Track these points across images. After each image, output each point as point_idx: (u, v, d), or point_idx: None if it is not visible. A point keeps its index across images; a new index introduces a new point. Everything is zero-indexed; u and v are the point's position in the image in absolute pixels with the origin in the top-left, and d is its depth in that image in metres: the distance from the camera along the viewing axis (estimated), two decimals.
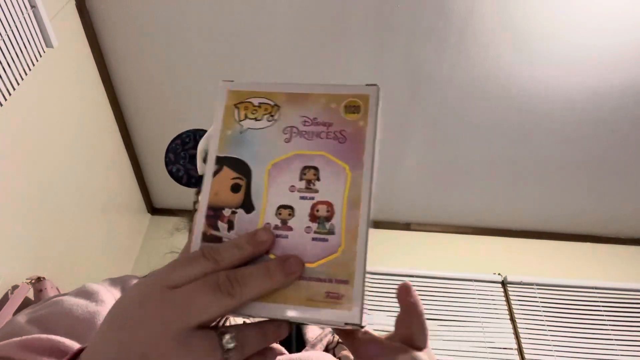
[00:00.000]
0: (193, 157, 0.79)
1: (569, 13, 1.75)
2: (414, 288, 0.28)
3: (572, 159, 2.28)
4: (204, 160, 0.75)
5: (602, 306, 2.37)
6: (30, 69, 1.49)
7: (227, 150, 0.31)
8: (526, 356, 2.17)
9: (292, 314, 0.27)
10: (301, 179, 0.30)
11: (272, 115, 0.32)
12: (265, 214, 0.29)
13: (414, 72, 1.97)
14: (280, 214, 0.29)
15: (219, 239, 0.29)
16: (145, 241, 2.61)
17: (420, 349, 0.30)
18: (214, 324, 0.30)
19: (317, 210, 0.29)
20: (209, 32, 1.88)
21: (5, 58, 1.37)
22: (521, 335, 2.24)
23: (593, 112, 2.08)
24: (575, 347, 2.22)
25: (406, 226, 2.70)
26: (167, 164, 0.80)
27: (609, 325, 2.30)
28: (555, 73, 1.94)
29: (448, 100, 2.07)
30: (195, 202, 0.69)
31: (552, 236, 2.68)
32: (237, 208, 0.30)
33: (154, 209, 2.74)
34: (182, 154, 0.80)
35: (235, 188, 0.30)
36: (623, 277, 2.49)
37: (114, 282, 0.56)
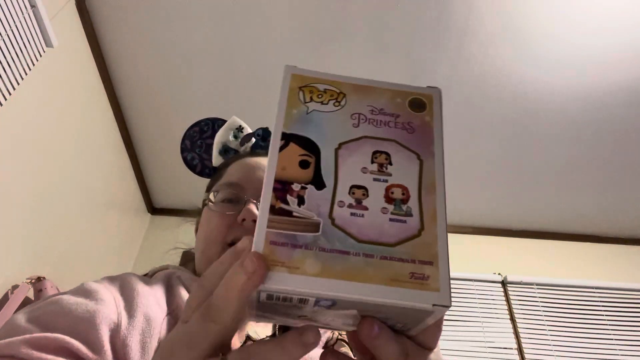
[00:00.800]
0: (209, 147, 0.78)
1: (569, 13, 1.75)
2: None
3: (572, 159, 2.28)
4: (220, 153, 0.74)
5: (602, 306, 2.37)
6: (30, 69, 1.49)
7: (293, 128, 0.32)
8: (526, 356, 2.17)
9: (376, 293, 0.26)
10: (372, 162, 0.30)
11: (338, 101, 0.33)
12: (338, 191, 0.29)
13: (414, 72, 1.97)
14: (353, 193, 0.29)
15: (288, 213, 0.28)
16: (145, 241, 2.61)
17: (430, 349, 0.30)
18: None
19: (392, 193, 0.29)
20: (209, 32, 1.88)
21: (5, 58, 1.37)
22: (521, 335, 2.24)
23: (593, 112, 2.08)
24: (576, 347, 2.22)
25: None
26: (182, 151, 0.79)
27: (609, 325, 2.30)
28: (555, 73, 1.94)
29: (447, 100, 2.07)
30: (205, 200, 0.67)
31: (552, 236, 2.68)
32: (307, 184, 0.29)
33: (154, 209, 2.74)
34: (198, 142, 0.79)
35: (304, 164, 0.30)
36: (623, 277, 2.49)
37: (113, 280, 0.56)
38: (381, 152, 0.31)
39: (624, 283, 2.44)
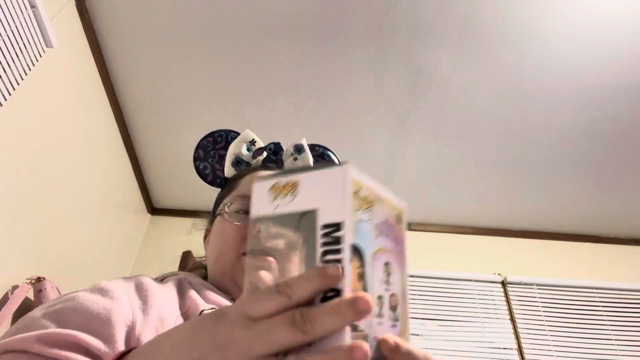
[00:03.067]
0: (222, 158, 0.81)
1: (569, 13, 1.75)
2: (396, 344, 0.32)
3: (572, 159, 2.28)
4: (233, 164, 0.77)
5: (602, 306, 2.37)
6: (30, 69, 1.49)
7: (354, 237, 0.33)
8: (526, 356, 2.17)
9: None
10: (384, 272, 0.35)
11: (370, 211, 0.35)
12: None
13: (414, 73, 1.97)
14: (377, 303, 0.33)
15: (355, 327, 0.31)
16: (145, 241, 2.61)
17: None
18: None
19: (392, 301, 0.35)
20: (210, 31, 1.88)
21: (5, 58, 1.37)
22: (521, 335, 2.24)
23: (593, 112, 2.08)
24: (575, 347, 2.22)
25: (406, 226, 2.70)
26: (195, 159, 0.82)
27: (609, 325, 2.30)
28: (555, 73, 1.94)
29: (448, 100, 2.07)
30: (219, 210, 0.68)
31: (552, 236, 2.68)
32: None
33: (153, 209, 2.74)
34: (211, 152, 0.82)
35: (360, 276, 0.32)
36: (623, 277, 2.49)
37: (127, 280, 0.57)
38: (389, 263, 0.35)
39: (623, 283, 2.44)
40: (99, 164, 2.08)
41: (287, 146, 0.79)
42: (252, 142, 0.79)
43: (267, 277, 0.58)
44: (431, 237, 2.67)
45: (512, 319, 2.30)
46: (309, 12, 1.80)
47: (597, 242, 2.67)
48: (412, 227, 2.69)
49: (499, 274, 2.45)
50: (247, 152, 0.78)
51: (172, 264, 1.96)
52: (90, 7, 1.83)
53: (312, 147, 0.81)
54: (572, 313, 2.34)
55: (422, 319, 2.27)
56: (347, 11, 1.79)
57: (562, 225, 2.66)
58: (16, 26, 1.40)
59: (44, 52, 1.55)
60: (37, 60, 1.52)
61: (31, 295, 1.56)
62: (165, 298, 0.54)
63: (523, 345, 2.21)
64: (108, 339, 0.46)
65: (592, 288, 2.42)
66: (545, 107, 2.07)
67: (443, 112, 2.12)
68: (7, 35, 1.37)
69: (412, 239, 2.53)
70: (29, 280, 1.54)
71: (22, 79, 1.46)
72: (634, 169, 2.30)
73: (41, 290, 1.54)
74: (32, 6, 1.47)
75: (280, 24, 1.84)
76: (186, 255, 1.98)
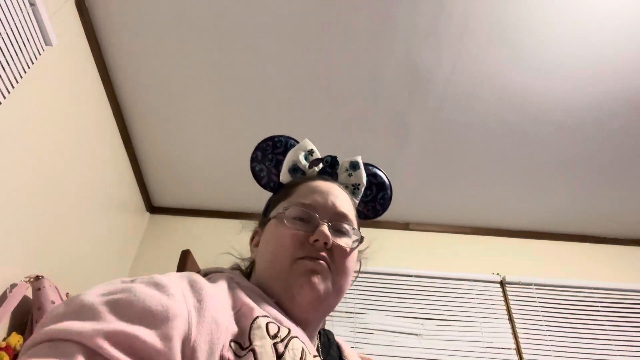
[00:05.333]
0: (279, 163, 0.83)
1: (569, 14, 1.75)
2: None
3: (571, 160, 2.29)
4: (290, 171, 0.80)
5: (601, 306, 2.37)
6: (29, 67, 1.49)
7: None
8: (524, 356, 2.17)
9: None
10: None
11: None
12: None
13: (413, 72, 1.97)
14: None
15: None
16: (144, 240, 2.60)
17: None
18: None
19: None
20: (209, 29, 1.88)
21: (4, 56, 1.37)
22: (519, 335, 2.25)
23: (592, 112, 2.08)
24: (573, 347, 2.22)
25: (405, 226, 2.70)
26: (252, 160, 0.84)
27: (607, 325, 2.31)
28: (554, 73, 1.95)
29: (447, 100, 2.07)
30: (276, 214, 0.70)
31: (551, 236, 2.69)
32: None
33: (153, 208, 2.74)
34: (269, 156, 0.84)
35: None
36: (622, 277, 2.50)
37: (180, 276, 0.55)
38: None
39: (622, 284, 2.44)
40: (98, 162, 2.08)
41: (342, 161, 0.81)
42: (311, 152, 0.81)
43: (320, 283, 0.63)
44: (430, 237, 2.67)
45: (511, 319, 2.30)
46: (307, 9, 1.80)
47: (596, 243, 2.67)
48: (411, 226, 2.70)
49: (497, 274, 2.45)
50: (305, 161, 0.80)
51: (171, 263, 1.97)
52: (89, 5, 1.83)
53: (366, 165, 0.84)
54: (571, 313, 2.34)
55: (420, 318, 2.27)
56: (347, 10, 1.79)
57: (560, 226, 2.66)
58: (15, 24, 1.40)
59: (43, 50, 1.55)
60: (36, 59, 1.52)
61: (30, 294, 1.56)
62: (218, 298, 0.54)
63: (521, 345, 2.21)
64: (165, 338, 0.44)
65: (590, 288, 2.42)
66: (545, 108, 2.07)
67: (442, 112, 2.12)
68: (7, 33, 1.37)
69: (411, 238, 2.52)
70: (27, 279, 1.53)
71: (21, 77, 1.46)
72: (632, 170, 2.31)
73: (40, 289, 1.54)
74: (32, 4, 1.46)
75: (279, 21, 1.84)
76: (185, 254, 1.98)
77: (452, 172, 2.40)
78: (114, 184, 2.26)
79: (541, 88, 2.00)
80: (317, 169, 0.80)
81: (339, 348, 0.74)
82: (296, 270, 0.63)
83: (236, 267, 0.78)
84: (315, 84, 2.03)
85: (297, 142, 0.83)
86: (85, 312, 0.45)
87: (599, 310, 2.35)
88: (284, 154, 0.82)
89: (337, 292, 0.66)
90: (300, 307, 0.62)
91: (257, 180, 0.84)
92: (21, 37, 1.43)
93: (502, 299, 2.38)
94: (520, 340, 2.23)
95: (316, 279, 0.63)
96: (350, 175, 0.81)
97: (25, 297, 1.52)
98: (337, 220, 0.69)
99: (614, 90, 1.99)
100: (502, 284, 2.43)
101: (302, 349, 0.52)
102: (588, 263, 2.58)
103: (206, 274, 0.65)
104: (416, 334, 2.22)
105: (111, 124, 2.16)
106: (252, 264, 0.76)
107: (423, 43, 1.87)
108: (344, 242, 0.68)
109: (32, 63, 1.50)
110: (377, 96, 2.06)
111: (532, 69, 1.94)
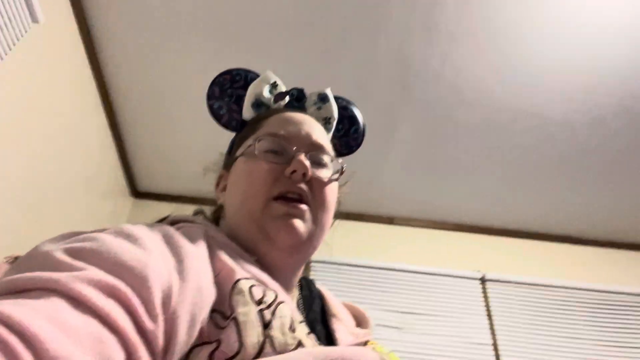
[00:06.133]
0: (240, 98, 0.74)
1: (562, 4, 1.77)
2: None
3: (556, 160, 2.32)
4: (253, 106, 0.71)
5: (577, 306, 2.42)
6: (14, 44, 1.45)
7: None
8: (501, 352, 2.22)
9: None
10: None
11: None
12: None
13: (404, 66, 1.97)
14: None
15: None
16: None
17: None
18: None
19: None
20: (199, 12, 1.85)
21: None
22: (497, 331, 2.29)
23: (578, 114, 2.11)
24: (550, 345, 2.27)
25: (390, 220, 2.72)
26: (209, 97, 0.75)
27: (584, 325, 2.36)
28: (546, 70, 1.97)
29: (437, 96, 2.08)
30: (243, 150, 0.62)
31: (532, 236, 2.73)
32: None
33: (137, 193, 2.71)
34: (228, 91, 0.75)
35: None
36: (599, 278, 2.55)
37: (153, 229, 0.47)
38: None
39: (598, 284, 2.50)
40: (82, 144, 2.05)
41: (310, 93, 0.74)
42: (274, 85, 0.73)
43: (301, 226, 0.57)
44: (415, 232, 2.69)
45: (489, 315, 2.34)
46: (298, 3, 1.79)
47: (576, 244, 2.72)
48: (395, 221, 2.72)
49: (478, 271, 2.49)
50: (269, 95, 0.72)
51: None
52: None
53: (336, 98, 0.77)
54: (548, 311, 2.39)
55: (401, 312, 2.30)
56: (339, 2, 1.78)
57: (542, 226, 2.71)
58: (1, 0, 1.36)
59: (30, 27, 1.51)
60: (22, 36, 1.48)
61: None
62: (199, 259, 0.46)
63: (498, 342, 2.25)
64: (147, 305, 0.36)
65: (567, 288, 2.48)
66: (534, 105, 2.09)
67: (432, 107, 2.13)
68: None
69: (395, 233, 2.53)
70: (7, 259, 1.51)
71: (6, 54, 1.43)
72: (613, 174, 2.35)
73: None
74: None
75: (271, 14, 1.83)
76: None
77: (438, 168, 2.42)
78: (98, 167, 2.23)
79: (529, 87, 2.02)
80: (282, 103, 0.72)
81: (321, 299, 0.68)
82: (269, 213, 0.57)
83: (200, 211, 0.71)
84: (305, 71, 2.02)
85: (258, 75, 0.75)
86: (47, 261, 0.37)
87: (576, 310, 2.41)
88: (245, 88, 0.74)
89: (320, 229, 0.60)
90: (280, 251, 0.57)
91: (217, 119, 0.75)
92: (7, 14, 1.39)
93: (482, 295, 2.42)
94: (498, 337, 2.27)
95: (293, 220, 0.57)
96: (319, 108, 0.73)
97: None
98: (314, 150, 0.62)
99: (601, 93, 2.02)
100: (483, 280, 2.47)
101: (291, 318, 0.46)
102: (567, 263, 2.63)
103: (174, 222, 0.57)
104: (397, 327, 2.24)
105: (97, 103, 2.13)
106: (219, 210, 0.70)
107: (416, 37, 1.87)
108: (324, 173, 0.62)
109: (18, 40, 1.46)
110: (367, 89, 2.06)
111: (523, 66, 1.95)
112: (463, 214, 2.69)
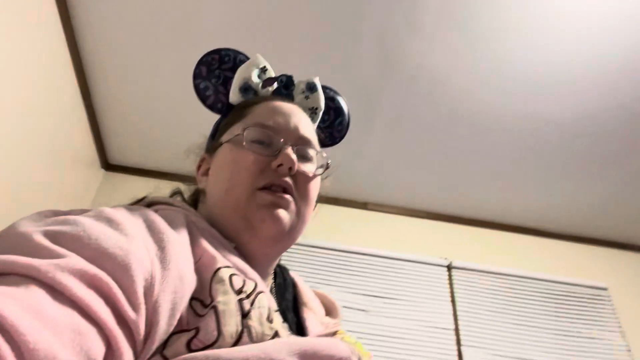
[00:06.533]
0: (227, 80, 0.71)
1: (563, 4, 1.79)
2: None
3: (524, 153, 2.38)
4: (241, 90, 0.69)
5: (537, 296, 2.52)
6: None
7: None
8: (462, 337, 2.30)
9: None
10: None
11: None
12: None
13: (385, 54, 1.97)
14: None
15: None
16: (97, 198, 2.52)
17: None
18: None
19: None
20: None
21: None
22: (459, 317, 2.36)
23: (564, 108, 2.16)
24: (509, 332, 2.36)
25: (363, 205, 2.75)
26: (195, 77, 0.72)
27: (542, 314, 2.46)
28: (529, 64, 2.00)
29: (417, 85, 2.09)
30: (230, 137, 0.61)
31: (499, 227, 2.81)
32: None
33: (108, 165, 2.64)
34: (216, 72, 0.72)
35: None
36: (562, 271, 2.66)
37: (133, 213, 0.45)
38: None
39: (559, 276, 2.61)
40: (51, 110, 1.98)
41: (298, 81, 0.73)
42: (264, 70, 0.71)
43: (285, 217, 0.58)
44: (387, 218, 2.73)
45: (453, 301, 2.42)
46: None
47: (540, 236, 2.82)
48: (369, 206, 2.75)
49: (445, 258, 2.55)
50: (257, 80, 0.70)
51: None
52: None
53: (324, 88, 0.76)
54: (509, 300, 2.48)
55: (369, 295, 2.35)
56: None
57: (509, 217, 2.79)
58: None
59: None
60: None
61: None
62: (181, 246, 0.45)
63: (460, 327, 2.33)
64: (129, 295, 0.36)
65: (530, 278, 2.57)
66: (516, 96, 2.13)
67: (411, 96, 2.14)
68: None
69: (368, 218, 2.55)
70: None
71: None
72: (580, 169, 2.43)
73: None
74: None
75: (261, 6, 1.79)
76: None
77: (414, 156, 2.45)
78: (67, 136, 2.16)
79: (515, 77, 2.05)
80: (270, 89, 0.71)
81: (294, 287, 0.69)
82: (254, 202, 0.57)
83: (177, 191, 0.70)
84: (288, 46, 1.99)
85: (247, 58, 0.73)
86: (22, 244, 0.35)
87: (538, 301, 2.50)
88: (233, 70, 0.71)
89: (301, 222, 0.61)
90: (262, 241, 0.57)
91: (202, 99, 0.72)
92: None
93: (447, 282, 2.49)
94: (460, 322, 2.35)
95: (279, 210, 0.57)
96: (307, 97, 0.72)
97: None
98: (301, 144, 0.62)
99: (584, 87, 2.07)
100: (449, 268, 2.53)
101: (269, 308, 0.47)
102: (530, 255, 2.72)
103: (152, 204, 0.56)
104: (364, 310, 2.29)
105: (69, 70, 2.05)
106: (197, 193, 0.69)
107: (397, 26, 1.87)
108: (309, 168, 0.62)
109: None
110: (346, 74, 2.05)
111: (507, 56, 1.98)
112: (434, 203, 2.74)
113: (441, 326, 2.32)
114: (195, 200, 0.68)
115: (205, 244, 0.49)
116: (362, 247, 2.51)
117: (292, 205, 0.59)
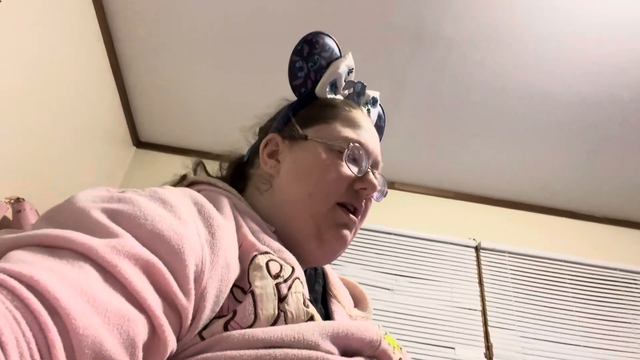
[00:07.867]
0: (321, 69, 0.69)
1: None
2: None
3: (556, 133, 2.30)
4: (330, 84, 0.68)
5: (568, 279, 2.47)
6: None
7: None
8: (489, 318, 2.28)
9: None
10: None
11: None
12: None
13: (416, 29, 1.92)
14: None
15: None
16: (128, 174, 2.58)
17: None
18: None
19: None
20: None
21: None
22: (487, 298, 2.34)
23: (585, 86, 2.07)
24: (537, 315, 2.33)
25: (391, 184, 2.72)
26: (296, 53, 0.69)
27: (572, 297, 2.41)
28: (556, 42, 1.91)
29: (448, 61, 2.03)
30: (326, 139, 0.60)
31: (529, 207, 2.75)
32: None
33: (139, 142, 2.70)
34: (315, 57, 0.69)
35: None
36: (591, 253, 2.58)
37: (184, 195, 0.45)
38: None
39: (591, 259, 2.53)
40: (85, 89, 2.02)
41: (367, 92, 0.74)
42: (351, 71, 0.71)
43: (348, 237, 0.63)
44: (414, 198, 2.70)
45: (481, 283, 2.39)
46: None
47: (572, 218, 2.74)
48: (396, 186, 2.72)
49: (474, 239, 2.52)
50: (344, 80, 0.71)
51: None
52: None
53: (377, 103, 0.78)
54: (538, 283, 2.43)
55: (394, 274, 2.35)
56: None
57: (540, 198, 2.71)
58: None
59: None
60: None
61: (10, 215, 1.55)
62: (228, 233, 0.45)
63: (487, 308, 2.31)
64: (181, 277, 0.36)
65: (560, 261, 2.51)
66: (545, 74, 2.05)
67: (441, 73, 2.08)
68: None
69: (395, 198, 2.54)
70: (8, 200, 1.52)
71: None
72: (616, 152, 2.33)
73: (20, 211, 1.53)
74: None
75: None
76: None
77: (443, 136, 2.40)
78: (100, 113, 2.21)
79: (545, 56, 1.97)
80: (346, 92, 0.71)
81: (324, 276, 0.69)
82: (333, 217, 0.58)
83: (200, 162, 0.70)
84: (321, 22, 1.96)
85: (339, 52, 0.71)
86: (83, 218, 0.36)
87: (567, 283, 2.45)
88: (328, 60, 0.69)
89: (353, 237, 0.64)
90: (325, 253, 0.59)
91: (291, 78, 0.69)
92: None
93: (475, 263, 2.46)
94: (487, 304, 2.32)
95: (347, 232, 0.60)
96: (368, 111, 0.73)
97: (4, 218, 1.52)
98: (378, 170, 0.66)
99: (598, 68, 1.97)
100: (477, 249, 2.50)
101: (303, 294, 0.47)
102: (561, 237, 2.66)
103: (193, 184, 0.57)
104: (389, 289, 2.29)
105: (100, 49, 2.08)
106: (233, 168, 0.68)
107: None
108: (376, 194, 0.66)
109: None
110: (374, 54, 2.00)
111: (540, 27, 1.89)
112: (463, 183, 2.69)
113: (468, 307, 2.31)
114: (231, 175, 0.68)
115: (245, 229, 0.49)
116: (389, 226, 2.50)
117: (355, 226, 0.62)
